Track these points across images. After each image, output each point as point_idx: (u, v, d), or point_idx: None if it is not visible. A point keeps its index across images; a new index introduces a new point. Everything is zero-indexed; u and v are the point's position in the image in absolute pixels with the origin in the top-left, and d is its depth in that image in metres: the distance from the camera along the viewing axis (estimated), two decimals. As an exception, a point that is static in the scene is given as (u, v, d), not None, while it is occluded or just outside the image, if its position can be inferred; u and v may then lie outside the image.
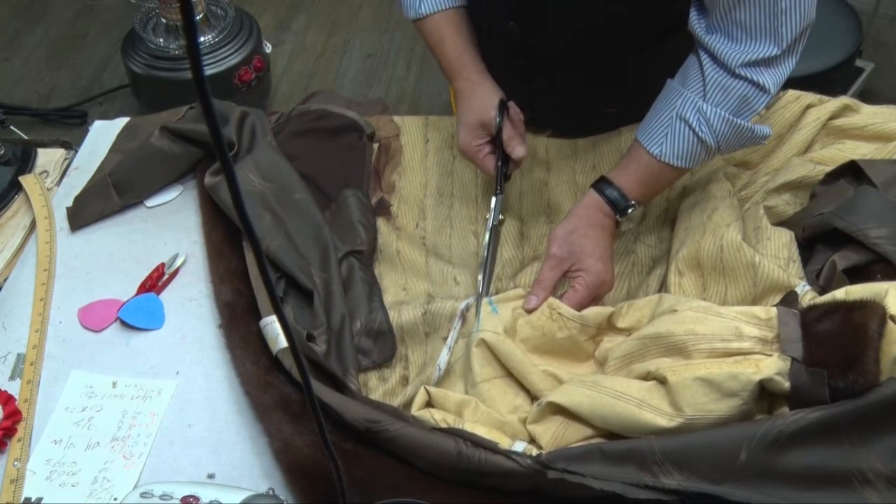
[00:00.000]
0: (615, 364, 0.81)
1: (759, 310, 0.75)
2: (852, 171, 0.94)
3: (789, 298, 0.80)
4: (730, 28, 0.82)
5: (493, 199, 0.96)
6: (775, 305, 0.76)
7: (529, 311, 0.86)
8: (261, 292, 0.89)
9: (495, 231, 0.96)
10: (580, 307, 0.86)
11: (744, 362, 0.71)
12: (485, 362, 0.83)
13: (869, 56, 2.07)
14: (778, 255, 0.91)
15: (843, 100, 1.04)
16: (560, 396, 0.76)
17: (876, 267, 0.85)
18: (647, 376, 0.76)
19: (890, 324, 0.72)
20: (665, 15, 0.96)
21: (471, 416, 0.80)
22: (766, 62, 0.82)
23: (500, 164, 0.96)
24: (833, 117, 1.03)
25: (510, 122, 0.96)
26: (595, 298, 0.89)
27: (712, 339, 0.74)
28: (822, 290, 0.86)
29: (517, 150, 0.95)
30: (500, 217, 0.97)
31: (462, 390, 0.84)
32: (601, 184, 0.91)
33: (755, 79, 0.83)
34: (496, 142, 0.96)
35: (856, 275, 0.86)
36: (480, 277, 0.92)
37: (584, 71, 1.01)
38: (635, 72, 1.00)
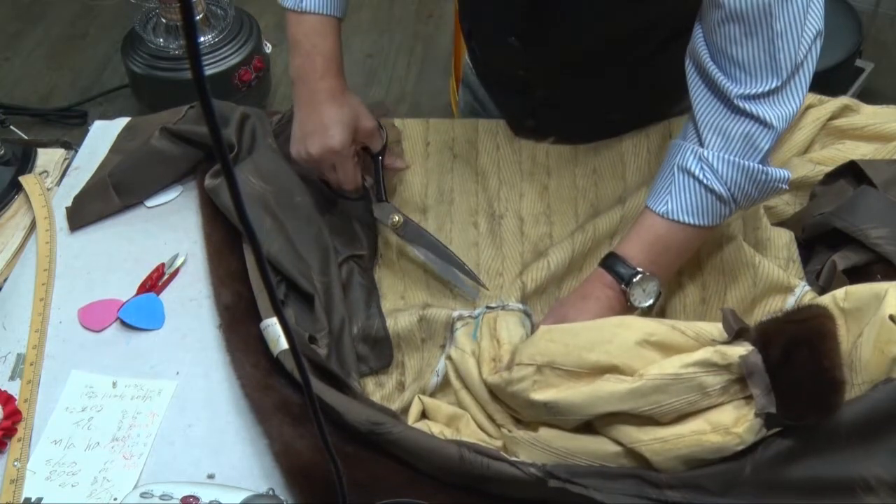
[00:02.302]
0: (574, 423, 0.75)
1: (711, 352, 0.69)
2: (852, 172, 0.94)
3: (742, 334, 0.71)
4: (725, 64, 0.76)
5: (386, 204, 0.93)
6: (729, 343, 0.71)
7: None
8: (261, 294, 0.89)
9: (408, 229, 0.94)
10: None
11: (724, 434, 0.67)
12: (455, 376, 0.84)
13: (869, 56, 2.07)
14: (778, 255, 0.91)
15: (843, 100, 1.04)
16: (531, 453, 0.75)
17: (876, 267, 0.86)
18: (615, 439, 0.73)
19: (890, 324, 0.72)
20: (665, 27, 0.95)
21: (465, 429, 0.80)
22: (767, 95, 0.76)
23: (382, 174, 0.95)
24: (833, 118, 1.03)
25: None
26: None
27: (678, 404, 0.69)
28: (822, 291, 0.86)
29: (399, 162, 0.95)
30: (397, 218, 0.94)
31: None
32: (606, 258, 0.84)
33: (756, 113, 0.76)
34: (369, 153, 0.95)
35: (856, 275, 0.86)
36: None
37: (585, 81, 1.01)
38: (637, 80, 1.00)
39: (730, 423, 0.67)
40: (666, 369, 0.69)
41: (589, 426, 0.74)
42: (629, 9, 0.89)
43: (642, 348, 0.72)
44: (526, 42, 0.95)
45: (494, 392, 0.79)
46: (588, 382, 0.71)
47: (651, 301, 0.82)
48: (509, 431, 0.78)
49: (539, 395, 0.73)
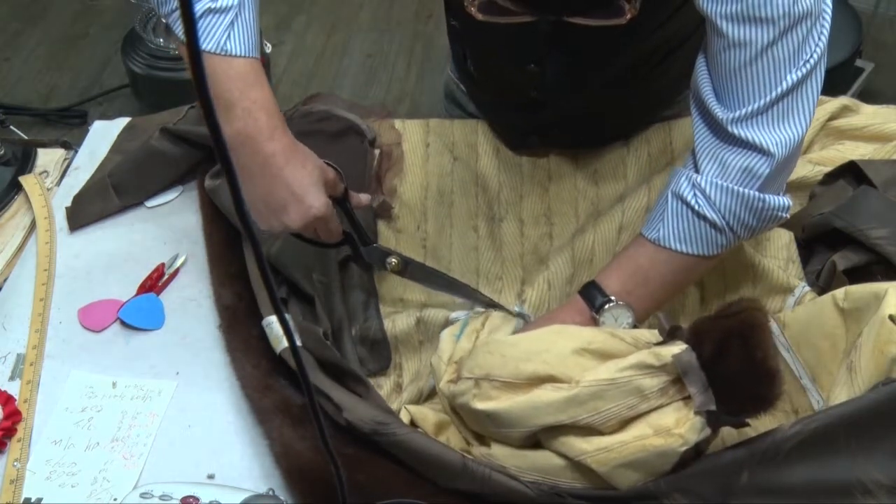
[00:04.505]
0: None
1: (646, 354, 0.68)
2: (852, 172, 0.94)
3: (675, 334, 0.69)
4: (724, 94, 0.74)
5: (376, 247, 0.89)
6: (664, 343, 0.69)
7: None
8: (262, 292, 0.89)
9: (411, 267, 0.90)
10: None
11: (666, 436, 0.67)
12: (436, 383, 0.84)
13: (869, 56, 2.07)
14: (777, 255, 0.91)
15: (843, 100, 1.04)
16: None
17: (876, 267, 0.86)
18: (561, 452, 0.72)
19: (890, 324, 0.72)
20: (678, 41, 0.94)
21: (453, 438, 0.80)
22: (761, 115, 0.73)
23: (353, 217, 0.89)
24: (832, 118, 1.03)
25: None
26: None
27: (617, 409, 0.68)
28: (822, 291, 0.86)
29: (363, 196, 0.89)
30: (394, 261, 0.90)
31: None
32: (585, 285, 0.82)
33: (752, 139, 0.73)
34: (336, 199, 0.87)
35: (856, 275, 0.86)
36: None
37: (596, 97, 0.99)
38: (640, 91, 1.00)
39: (671, 425, 0.67)
40: (601, 375, 0.68)
41: (537, 441, 0.73)
42: (647, 33, 0.88)
43: (580, 357, 0.71)
44: (545, 67, 0.92)
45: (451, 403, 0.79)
46: (525, 393, 0.70)
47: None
48: (469, 445, 0.77)
49: (480, 406, 0.72)
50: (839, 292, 0.79)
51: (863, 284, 0.79)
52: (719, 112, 0.75)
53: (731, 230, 0.76)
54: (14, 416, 0.83)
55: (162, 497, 0.70)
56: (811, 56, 0.72)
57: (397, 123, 1.12)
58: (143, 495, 0.70)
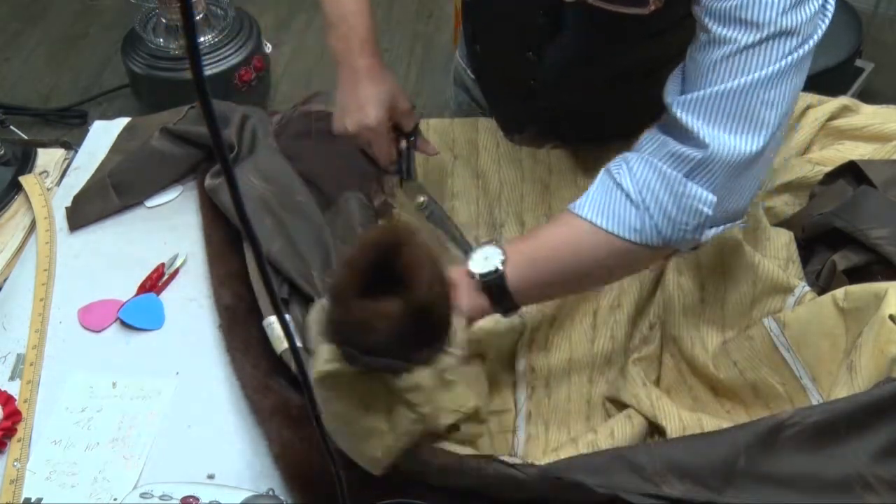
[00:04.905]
0: None
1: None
2: (852, 172, 0.94)
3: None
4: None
5: (414, 182, 0.95)
6: None
7: None
8: (263, 293, 0.89)
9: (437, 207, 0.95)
10: None
11: None
12: None
13: (869, 56, 2.07)
14: (777, 255, 0.91)
15: (843, 100, 1.04)
16: None
17: (876, 267, 0.86)
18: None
19: (890, 324, 0.72)
20: (675, 42, 0.94)
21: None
22: (708, 106, 0.71)
23: (412, 153, 0.96)
24: (832, 118, 1.03)
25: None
26: None
27: None
28: (822, 291, 0.86)
29: (430, 147, 0.96)
30: (422, 199, 0.95)
31: None
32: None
33: (689, 124, 0.71)
34: (400, 132, 0.95)
35: (856, 275, 0.86)
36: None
37: (593, 94, 1.00)
38: (640, 93, 1.00)
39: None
40: None
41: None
42: (645, 41, 0.89)
43: None
44: (542, 56, 0.94)
45: None
46: None
47: (486, 270, 0.73)
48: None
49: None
50: (839, 292, 0.79)
51: (863, 284, 0.79)
52: (669, 96, 0.74)
53: (646, 208, 0.72)
54: (14, 416, 0.83)
55: (162, 497, 0.70)
56: (783, 73, 0.70)
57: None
58: (143, 495, 0.70)
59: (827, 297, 0.80)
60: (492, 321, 0.87)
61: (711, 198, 0.72)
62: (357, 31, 0.91)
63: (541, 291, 0.77)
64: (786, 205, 0.97)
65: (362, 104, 0.90)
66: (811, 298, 0.85)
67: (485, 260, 0.73)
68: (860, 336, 0.75)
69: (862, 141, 1.01)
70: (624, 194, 0.73)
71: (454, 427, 0.73)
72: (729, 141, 0.70)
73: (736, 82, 0.70)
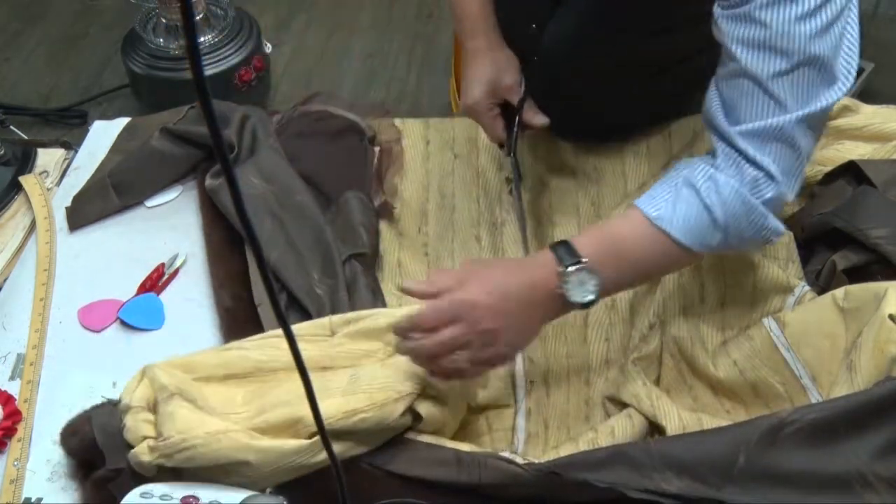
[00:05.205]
0: None
1: None
2: (852, 171, 0.94)
3: None
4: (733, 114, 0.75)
5: (511, 159, 0.98)
6: None
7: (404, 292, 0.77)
8: (262, 307, 0.89)
9: (517, 189, 0.98)
10: (433, 285, 0.74)
11: None
12: None
13: (869, 56, 2.07)
14: (777, 255, 0.91)
15: (843, 100, 1.04)
16: None
17: (876, 267, 0.86)
18: None
19: (889, 323, 0.72)
20: (679, 51, 0.95)
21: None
22: (773, 134, 0.73)
23: (515, 129, 0.97)
24: (832, 118, 1.03)
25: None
26: (454, 323, 0.71)
27: None
28: (822, 290, 0.86)
29: (539, 118, 0.96)
30: (521, 176, 0.99)
31: None
32: (557, 242, 0.76)
33: (758, 159, 0.73)
34: (509, 108, 0.97)
35: (855, 275, 0.86)
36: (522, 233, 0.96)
37: (594, 82, 1.00)
38: (640, 91, 1.00)
39: None
40: None
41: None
42: (647, 36, 0.89)
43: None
44: (544, 30, 0.95)
45: None
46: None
47: (588, 298, 0.73)
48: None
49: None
50: (839, 292, 0.79)
51: (863, 284, 0.79)
52: (725, 125, 0.75)
53: (726, 232, 0.75)
54: (14, 415, 0.83)
55: (162, 497, 0.70)
56: (815, 99, 0.72)
57: (397, 121, 1.12)
58: (143, 495, 0.70)
59: (827, 296, 0.80)
60: None
61: (783, 229, 0.77)
62: (467, 13, 0.98)
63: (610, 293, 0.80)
64: (786, 205, 0.97)
65: (467, 84, 0.96)
66: (811, 298, 0.85)
67: (581, 286, 0.73)
68: (860, 335, 0.75)
69: (862, 141, 1.01)
70: (712, 220, 0.74)
71: (417, 416, 0.75)
72: (789, 166, 0.74)
73: (780, 120, 0.72)
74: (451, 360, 0.71)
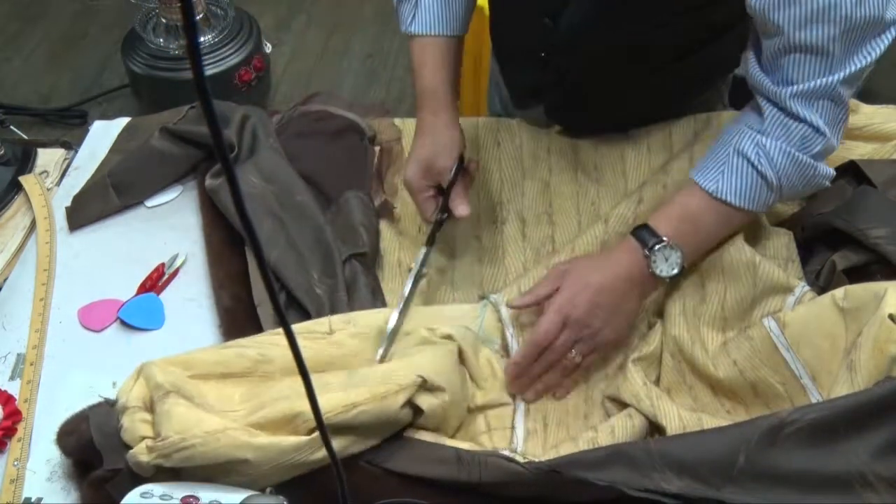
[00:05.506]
0: None
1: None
2: (852, 171, 0.94)
3: None
4: (785, 61, 0.78)
5: (423, 249, 0.93)
6: None
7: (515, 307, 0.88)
8: (261, 307, 0.89)
9: (416, 279, 0.92)
10: (534, 295, 0.85)
11: None
12: None
13: (869, 56, 2.07)
14: (777, 255, 0.91)
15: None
16: None
17: (875, 267, 0.86)
18: None
19: (889, 323, 0.72)
20: (695, 38, 0.95)
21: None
22: (822, 92, 0.78)
23: (439, 216, 0.93)
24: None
25: (462, 177, 0.94)
26: (560, 311, 0.82)
27: None
28: (822, 290, 0.86)
29: (460, 208, 0.92)
30: (425, 270, 0.94)
31: None
32: (636, 227, 0.85)
33: (806, 117, 0.79)
34: (442, 191, 0.93)
35: (855, 275, 0.86)
36: (392, 319, 0.85)
37: (596, 78, 1.00)
38: (649, 83, 1.00)
39: None
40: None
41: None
42: (667, 17, 0.89)
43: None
44: (557, 22, 0.94)
45: None
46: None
47: (675, 271, 0.83)
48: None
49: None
50: (839, 292, 0.79)
51: (862, 284, 0.79)
52: (775, 89, 0.79)
53: (781, 190, 0.82)
54: (14, 415, 0.83)
55: (162, 497, 0.70)
56: (864, 59, 0.77)
57: (397, 121, 1.12)
58: (143, 495, 0.70)
59: (827, 296, 0.80)
60: (470, 316, 0.88)
61: (832, 172, 0.84)
62: (423, 83, 0.94)
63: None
64: (786, 205, 0.97)
65: (407, 160, 0.95)
66: (811, 298, 0.85)
67: (667, 262, 0.83)
68: (860, 335, 0.75)
69: (862, 141, 1.01)
70: (766, 184, 0.81)
71: (417, 412, 0.75)
72: (838, 113, 0.80)
73: (831, 79, 0.77)
74: (569, 359, 0.83)
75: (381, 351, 0.83)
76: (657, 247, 0.82)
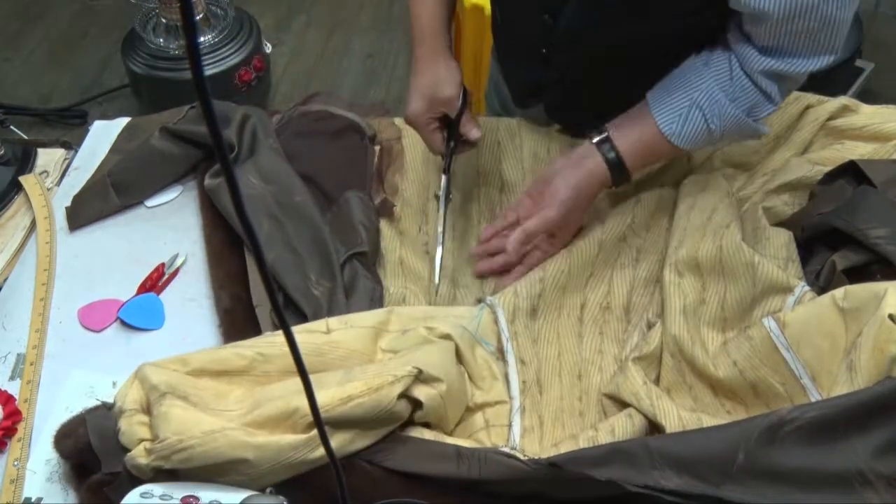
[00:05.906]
0: None
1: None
2: (852, 171, 0.94)
3: None
4: (769, 40, 0.84)
5: (443, 178, 0.97)
6: None
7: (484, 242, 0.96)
8: (260, 308, 0.89)
9: (446, 203, 0.98)
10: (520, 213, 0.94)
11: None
12: None
13: (869, 56, 2.07)
14: (777, 255, 0.91)
15: (842, 100, 1.04)
16: None
17: (875, 267, 0.86)
18: None
19: (889, 323, 0.72)
20: (696, 37, 0.95)
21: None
22: (792, 74, 0.86)
23: (451, 143, 0.96)
24: (832, 118, 1.03)
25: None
26: (543, 222, 0.91)
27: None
28: (822, 290, 0.86)
29: (473, 132, 0.96)
30: (450, 196, 0.99)
31: None
32: (603, 143, 0.92)
33: (767, 89, 0.87)
34: (448, 121, 0.96)
35: (855, 275, 0.86)
36: (438, 253, 0.96)
37: (596, 79, 1.00)
38: (647, 83, 1.00)
39: None
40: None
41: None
42: (666, 16, 0.90)
43: None
44: (557, 19, 0.94)
45: None
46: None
47: (612, 155, 0.92)
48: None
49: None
50: (839, 292, 0.79)
51: (862, 284, 0.79)
52: (753, 59, 0.85)
53: (720, 141, 0.92)
54: (14, 415, 0.83)
55: (162, 497, 0.70)
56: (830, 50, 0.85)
57: (397, 121, 1.12)
58: (143, 495, 0.70)
59: (827, 296, 0.80)
60: (466, 316, 0.88)
61: (767, 130, 0.94)
62: (419, 21, 0.97)
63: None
64: (785, 205, 0.97)
65: (408, 95, 0.96)
66: (811, 298, 0.85)
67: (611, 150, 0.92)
68: (860, 335, 0.75)
69: (862, 141, 1.01)
70: (710, 135, 0.90)
71: (417, 404, 0.75)
72: (793, 88, 0.91)
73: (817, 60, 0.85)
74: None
75: (436, 282, 0.93)
76: (597, 137, 0.92)
